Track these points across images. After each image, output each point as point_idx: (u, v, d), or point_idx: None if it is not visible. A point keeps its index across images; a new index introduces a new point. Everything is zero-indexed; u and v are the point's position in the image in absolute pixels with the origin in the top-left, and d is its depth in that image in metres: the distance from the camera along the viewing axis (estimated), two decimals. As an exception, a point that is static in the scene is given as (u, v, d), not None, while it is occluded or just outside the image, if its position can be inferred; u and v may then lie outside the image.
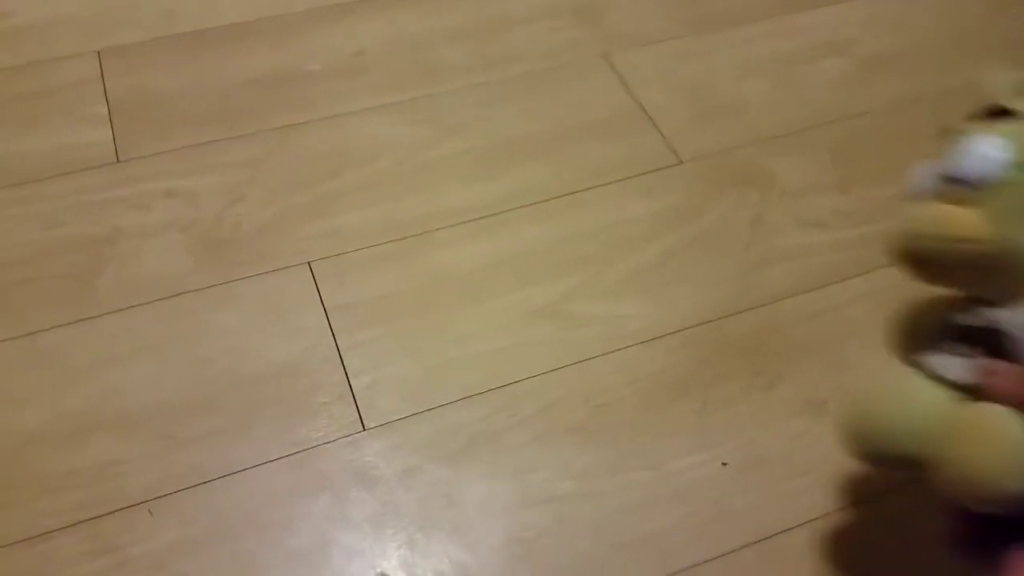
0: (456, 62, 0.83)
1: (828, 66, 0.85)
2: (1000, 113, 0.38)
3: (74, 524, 0.52)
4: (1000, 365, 0.36)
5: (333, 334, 0.61)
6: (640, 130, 0.78)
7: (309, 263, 0.66)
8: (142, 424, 0.56)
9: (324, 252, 0.67)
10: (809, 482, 0.55)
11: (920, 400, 0.38)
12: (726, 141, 0.77)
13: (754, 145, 0.76)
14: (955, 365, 0.38)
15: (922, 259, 0.37)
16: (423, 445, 0.56)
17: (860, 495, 0.54)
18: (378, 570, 0.50)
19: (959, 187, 0.36)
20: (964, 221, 0.35)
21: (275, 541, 0.52)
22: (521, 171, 0.74)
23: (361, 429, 0.56)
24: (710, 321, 0.64)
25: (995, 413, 0.34)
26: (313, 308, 0.63)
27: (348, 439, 0.56)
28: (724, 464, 0.56)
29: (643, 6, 0.90)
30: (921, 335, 0.40)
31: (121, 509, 0.52)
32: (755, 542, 0.52)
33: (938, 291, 0.41)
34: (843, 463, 0.51)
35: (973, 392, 0.37)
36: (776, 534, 0.52)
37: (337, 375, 0.59)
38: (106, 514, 0.52)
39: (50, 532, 0.51)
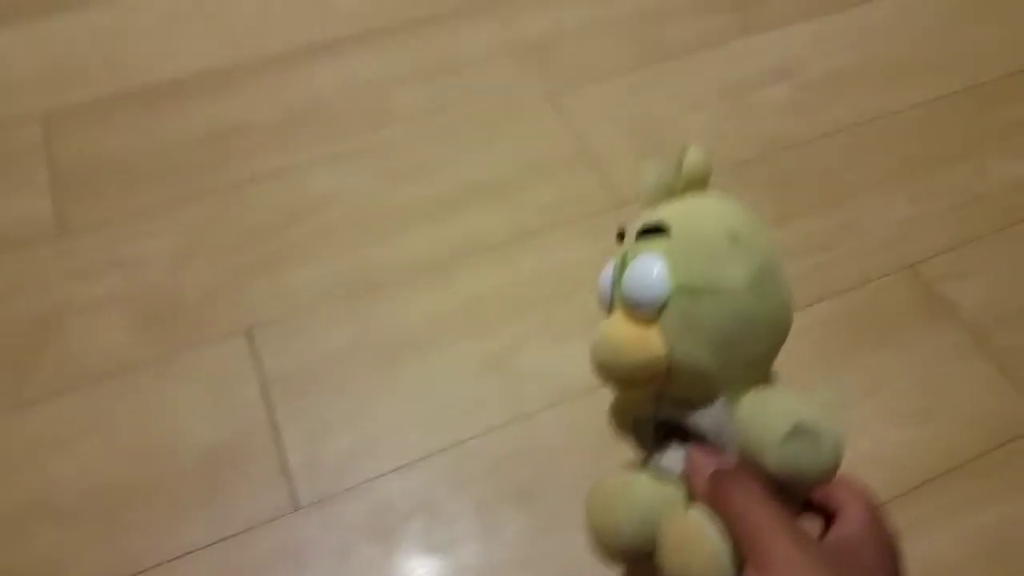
0: (408, 107, 0.84)
1: (773, 93, 0.84)
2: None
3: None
4: (699, 458, 0.38)
5: (269, 407, 0.62)
6: (582, 172, 0.78)
7: (250, 329, 0.66)
8: (81, 513, 0.57)
9: (268, 315, 0.67)
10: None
11: (644, 498, 0.40)
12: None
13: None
14: (676, 459, 0.40)
15: (610, 375, 0.38)
16: (358, 522, 0.57)
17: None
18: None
19: (634, 307, 0.37)
20: (640, 342, 0.37)
21: (210, 629, 0.52)
22: (471, 216, 0.75)
23: (296, 508, 0.57)
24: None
25: (693, 520, 0.36)
26: (249, 382, 0.63)
27: (283, 520, 0.57)
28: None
29: (593, 40, 0.90)
30: (642, 429, 0.42)
31: (60, 605, 0.53)
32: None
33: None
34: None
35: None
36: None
37: (272, 453, 0.60)
38: (45, 611, 0.53)
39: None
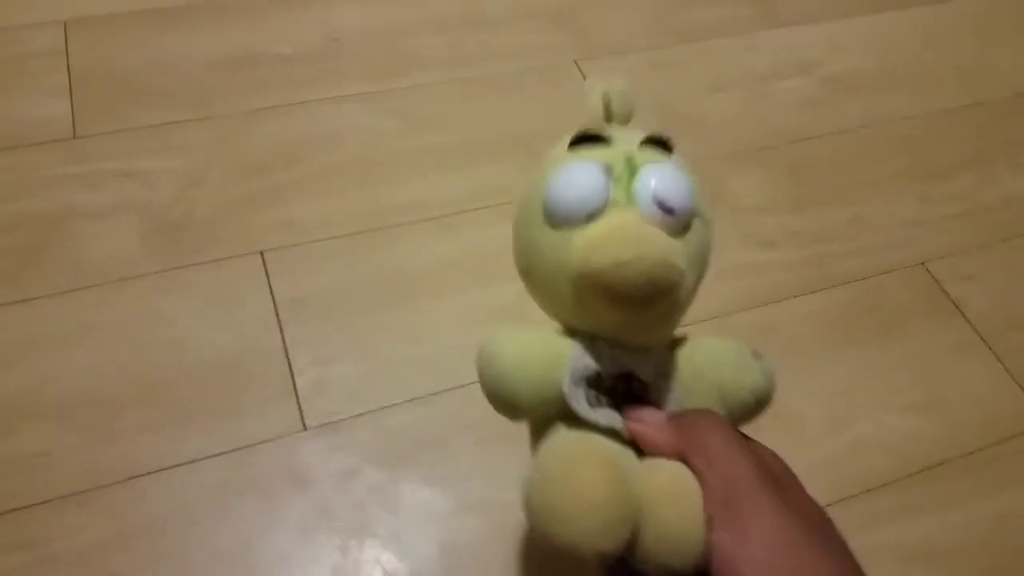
0: (429, 56, 0.83)
1: (792, 86, 0.85)
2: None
3: (-1, 513, 0.51)
4: (645, 414, 0.34)
5: (281, 328, 0.61)
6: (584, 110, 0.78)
7: (262, 252, 0.65)
8: (76, 413, 0.55)
9: (278, 242, 0.66)
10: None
11: (618, 464, 0.32)
12: (687, 154, 0.76)
13: (715, 160, 0.77)
14: (605, 414, 0.34)
15: (629, 280, 0.31)
16: (364, 447, 0.56)
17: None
18: None
19: (664, 212, 0.33)
20: (673, 247, 0.32)
21: (203, 540, 0.51)
22: (486, 170, 0.74)
23: (302, 429, 0.56)
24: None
25: (675, 471, 0.32)
26: (262, 300, 0.62)
27: (287, 439, 0.56)
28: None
29: (620, 14, 0.90)
30: (575, 385, 0.34)
31: (48, 500, 0.51)
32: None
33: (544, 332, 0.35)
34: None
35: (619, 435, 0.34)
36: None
37: (281, 371, 0.59)
38: (31, 505, 0.51)
39: (-27, 520, 0.50)
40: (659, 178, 0.33)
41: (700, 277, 0.35)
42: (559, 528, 0.30)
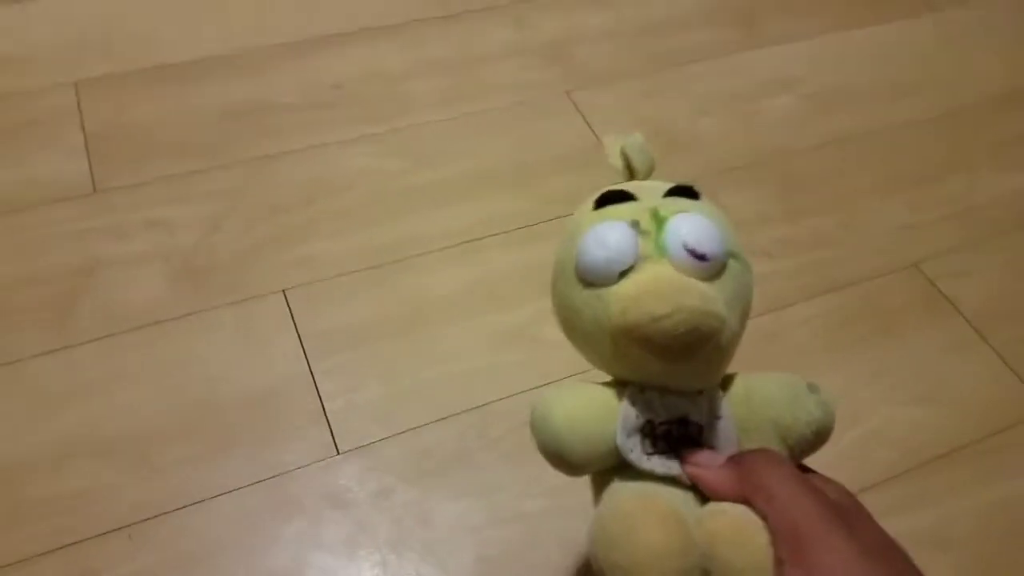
0: (428, 96, 0.86)
1: (778, 103, 0.89)
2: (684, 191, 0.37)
3: (55, 549, 0.53)
4: (701, 457, 0.34)
5: (307, 360, 0.64)
6: (601, 164, 0.81)
7: (284, 291, 0.68)
8: (121, 450, 0.58)
9: (299, 280, 0.69)
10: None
11: (678, 509, 0.33)
12: (681, 174, 0.78)
13: (708, 178, 0.80)
14: (660, 462, 0.34)
15: (684, 331, 0.32)
16: (396, 467, 0.58)
17: None
18: (352, 589, 0.53)
19: (697, 260, 0.33)
20: (712, 296, 0.33)
21: (251, 564, 0.53)
22: (491, 201, 0.77)
23: (335, 453, 0.59)
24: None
25: (738, 512, 0.32)
26: (288, 335, 0.65)
27: (322, 463, 0.58)
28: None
29: (608, 45, 0.94)
30: (629, 437, 0.35)
31: (101, 534, 0.54)
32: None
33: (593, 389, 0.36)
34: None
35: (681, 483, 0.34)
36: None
37: (311, 401, 0.61)
38: (86, 539, 0.53)
39: (32, 557, 0.53)
40: (688, 226, 0.34)
41: (744, 317, 0.36)
42: None
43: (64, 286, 0.67)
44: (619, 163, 0.39)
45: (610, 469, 0.35)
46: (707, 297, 0.32)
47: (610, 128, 0.84)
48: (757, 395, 0.35)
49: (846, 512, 0.32)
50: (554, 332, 0.39)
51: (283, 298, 0.67)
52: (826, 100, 0.90)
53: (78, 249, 0.70)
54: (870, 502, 0.59)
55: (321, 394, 0.62)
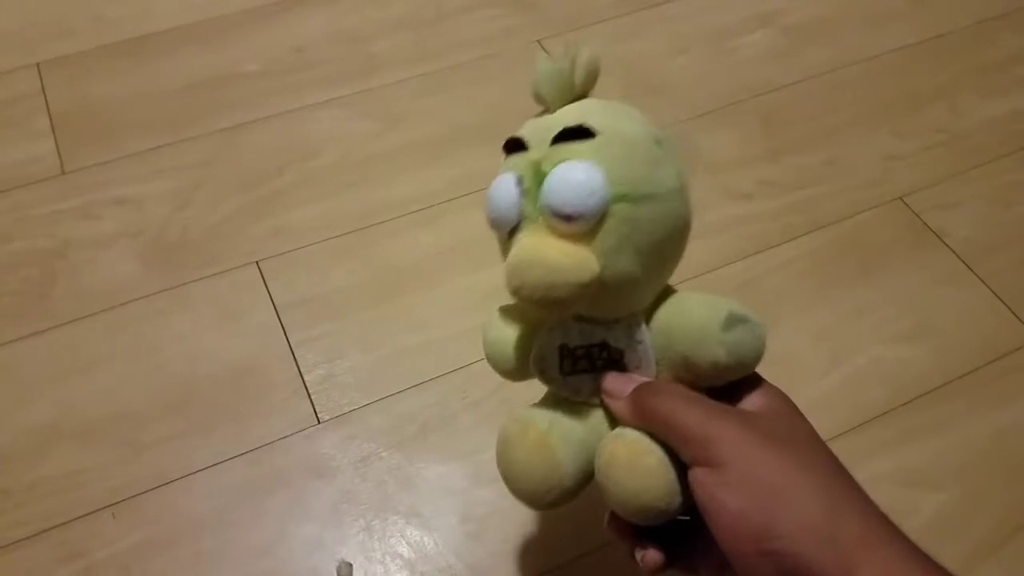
0: (395, 54, 0.85)
1: (756, 39, 0.87)
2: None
3: (42, 532, 0.53)
4: (614, 385, 0.37)
5: (284, 331, 0.63)
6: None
7: (257, 263, 0.67)
8: (102, 431, 0.58)
9: (273, 251, 0.68)
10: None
11: (577, 431, 0.38)
12: (659, 118, 0.78)
13: (686, 121, 0.79)
14: (583, 386, 0.38)
15: (541, 300, 0.34)
16: (377, 433, 0.58)
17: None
18: (339, 557, 0.53)
19: (566, 220, 0.33)
20: (581, 261, 0.33)
21: (237, 537, 0.54)
22: (464, 158, 0.76)
23: (316, 423, 0.58)
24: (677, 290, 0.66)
25: (631, 437, 0.35)
26: (263, 307, 0.65)
27: (304, 433, 0.58)
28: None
29: (574, -12, 0.92)
30: (543, 359, 0.38)
31: (86, 515, 0.54)
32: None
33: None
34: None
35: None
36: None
37: (290, 372, 0.61)
38: (71, 520, 0.54)
39: (20, 541, 0.53)
40: (557, 185, 0.33)
41: (650, 254, 0.35)
42: (511, 490, 0.38)
43: (37, 270, 0.67)
44: (538, 94, 0.38)
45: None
46: (553, 269, 0.33)
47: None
48: (676, 329, 0.36)
49: (739, 412, 0.35)
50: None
51: (257, 269, 0.67)
52: (806, 33, 0.88)
53: (49, 232, 0.69)
54: (861, 442, 0.60)
55: (300, 365, 0.61)
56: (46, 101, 0.79)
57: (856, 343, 0.65)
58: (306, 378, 0.61)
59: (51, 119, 0.78)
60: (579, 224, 0.33)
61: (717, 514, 0.32)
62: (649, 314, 0.37)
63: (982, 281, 0.69)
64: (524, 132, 0.36)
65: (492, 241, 0.71)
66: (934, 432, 0.60)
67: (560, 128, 0.35)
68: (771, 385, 0.37)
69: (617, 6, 0.90)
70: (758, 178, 0.75)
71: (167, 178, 0.73)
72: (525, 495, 0.38)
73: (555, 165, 0.34)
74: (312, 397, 0.60)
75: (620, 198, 0.33)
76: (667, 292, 0.38)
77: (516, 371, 0.40)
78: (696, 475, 0.33)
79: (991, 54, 0.87)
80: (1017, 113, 0.81)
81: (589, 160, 0.34)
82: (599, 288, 0.34)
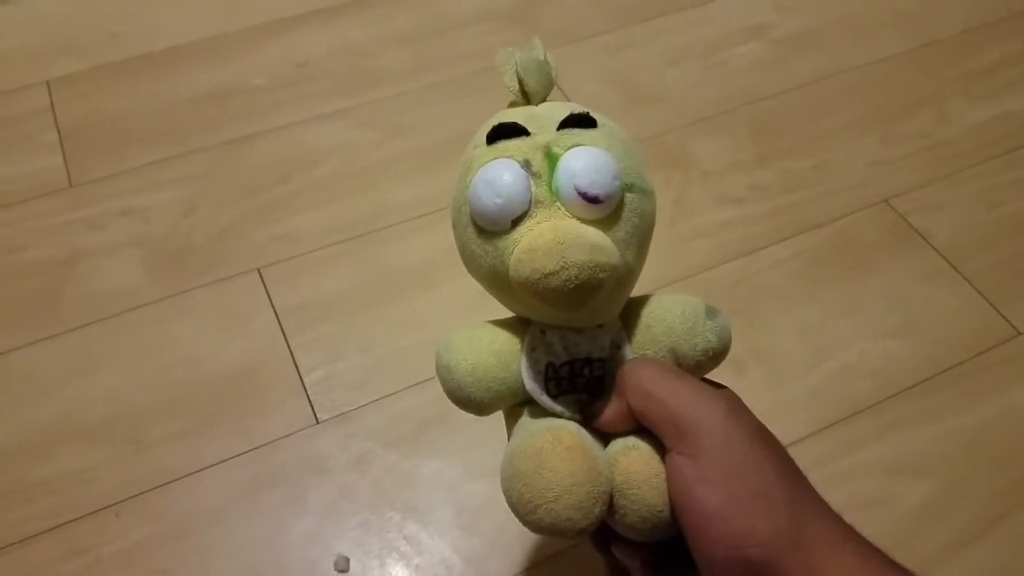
0: (396, 68, 0.87)
1: (747, 50, 0.89)
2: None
3: (49, 529, 0.55)
4: (600, 408, 0.35)
5: (284, 334, 0.65)
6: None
7: (259, 269, 0.69)
8: (108, 432, 0.60)
9: (274, 257, 0.70)
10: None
11: (598, 457, 0.33)
12: (653, 128, 0.81)
13: (679, 130, 0.81)
14: (568, 406, 0.35)
15: (577, 284, 0.31)
16: (374, 432, 0.60)
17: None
18: (336, 552, 0.54)
19: (589, 203, 0.32)
20: (608, 243, 0.32)
21: (237, 533, 0.55)
22: (460, 168, 0.78)
23: (315, 422, 0.60)
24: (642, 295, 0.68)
25: (647, 457, 0.33)
26: (264, 311, 0.66)
27: (303, 432, 0.60)
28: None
29: (572, 3, 0.94)
30: (533, 380, 0.35)
31: (91, 513, 0.56)
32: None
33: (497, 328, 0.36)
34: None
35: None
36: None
37: (290, 373, 0.63)
38: (77, 518, 0.55)
39: (27, 538, 0.55)
40: (580, 166, 0.32)
41: (643, 247, 0.35)
42: (538, 519, 0.31)
43: (47, 278, 0.69)
44: (514, 84, 0.36)
45: (519, 403, 0.36)
46: (597, 248, 0.31)
47: (581, 85, 0.84)
48: (658, 324, 0.35)
49: (728, 398, 0.33)
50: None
51: (258, 276, 0.69)
52: (795, 44, 0.90)
53: (58, 242, 0.71)
54: (847, 434, 0.61)
55: (299, 367, 0.63)
56: (55, 117, 0.82)
57: (844, 339, 0.66)
58: (305, 379, 0.62)
59: (60, 134, 0.80)
60: (603, 208, 0.32)
61: (692, 511, 0.30)
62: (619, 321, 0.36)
63: (966, 279, 0.70)
64: (516, 120, 0.34)
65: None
66: (920, 424, 0.61)
67: (566, 114, 0.34)
68: (723, 385, 0.36)
69: (611, 20, 0.92)
70: (749, 183, 0.77)
71: (172, 189, 0.75)
72: (566, 512, 0.31)
73: (568, 149, 0.32)
74: (311, 398, 0.61)
75: (629, 188, 0.33)
76: (631, 298, 0.37)
77: (494, 401, 0.35)
78: (674, 463, 0.31)
79: (978, 61, 0.89)
80: (1002, 117, 0.83)
81: (601, 146, 0.33)
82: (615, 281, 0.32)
